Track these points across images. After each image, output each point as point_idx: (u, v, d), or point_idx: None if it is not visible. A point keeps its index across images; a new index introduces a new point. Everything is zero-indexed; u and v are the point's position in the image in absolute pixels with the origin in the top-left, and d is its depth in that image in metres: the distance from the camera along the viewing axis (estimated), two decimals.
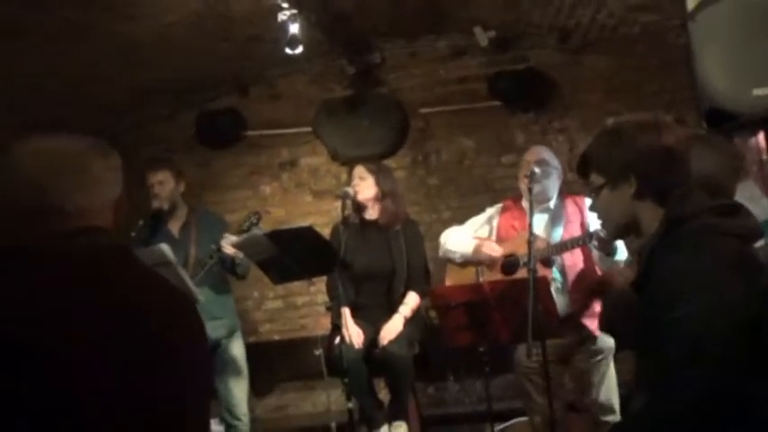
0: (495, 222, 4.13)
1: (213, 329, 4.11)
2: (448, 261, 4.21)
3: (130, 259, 1.58)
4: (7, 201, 1.50)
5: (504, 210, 4.12)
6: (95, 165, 1.55)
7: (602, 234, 3.52)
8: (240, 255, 4.17)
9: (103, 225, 1.54)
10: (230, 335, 4.37)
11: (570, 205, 3.97)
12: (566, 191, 4.12)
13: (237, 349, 4.43)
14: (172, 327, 1.52)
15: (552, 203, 3.99)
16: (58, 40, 4.11)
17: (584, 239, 3.69)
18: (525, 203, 3.95)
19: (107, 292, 1.45)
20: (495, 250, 4.01)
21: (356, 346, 4.03)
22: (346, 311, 4.09)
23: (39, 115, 4.66)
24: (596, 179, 1.91)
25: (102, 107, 5.24)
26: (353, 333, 4.07)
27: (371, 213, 4.34)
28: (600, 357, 3.81)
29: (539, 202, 3.92)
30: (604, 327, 3.71)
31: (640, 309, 1.81)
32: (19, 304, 1.37)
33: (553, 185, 3.97)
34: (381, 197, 4.30)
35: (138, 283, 1.53)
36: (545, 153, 4.02)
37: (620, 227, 1.93)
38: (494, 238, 4.10)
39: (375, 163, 4.51)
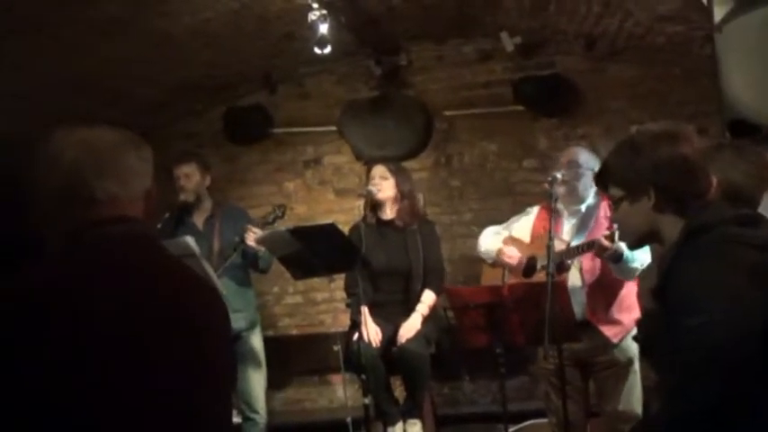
0: (531, 223, 4.13)
1: (234, 321, 4.09)
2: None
3: (157, 249, 1.60)
4: (45, 187, 1.53)
5: (541, 210, 4.12)
6: (129, 156, 1.57)
7: (603, 242, 3.50)
8: (263, 249, 4.21)
9: (134, 215, 1.57)
10: (250, 328, 4.42)
11: (604, 209, 3.89)
12: (605, 194, 4.07)
13: (257, 342, 4.47)
14: (197, 316, 1.53)
15: (584, 206, 3.91)
16: (100, 36, 4.17)
17: (587, 246, 3.66)
18: (560, 205, 3.93)
19: (134, 281, 1.47)
20: (511, 256, 4.00)
21: (374, 345, 4.05)
22: (365, 310, 4.12)
23: (76, 108, 4.74)
24: (615, 192, 1.92)
25: (136, 102, 5.30)
26: (372, 332, 4.10)
27: (388, 213, 4.38)
28: (616, 367, 3.76)
29: (569, 204, 3.92)
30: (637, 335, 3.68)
31: (660, 316, 1.81)
32: (45, 290, 1.39)
33: (585, 188, 3.86)
34: (400, 198, 4.35)
35: (164, 272, 1.55)
36: (580, 154, 3.91)
37: (639, 237, 1.93)
38: (528, 238, 4.11)
39: (395, 164, 4.56)
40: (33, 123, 4.38)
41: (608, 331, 3.75)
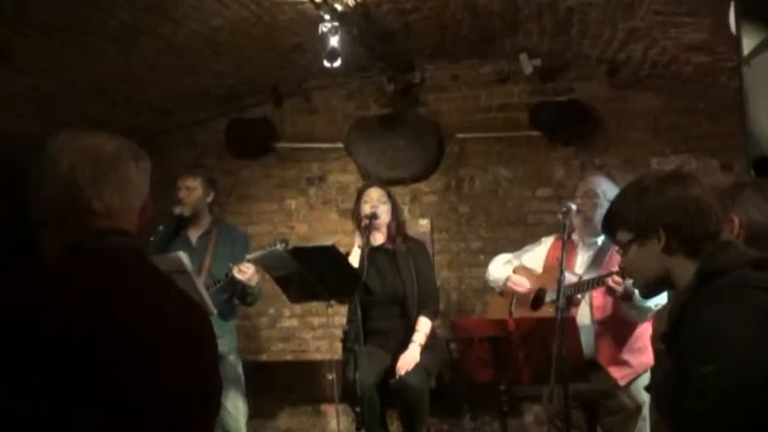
0: (544, 253, 4.13)
1: None
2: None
3: (147, 265, 1.60)
4: (41, 192, 1.55)
5: (556, 241, 4.12)
6: (128, 167, 1.59)
7: (615, 278, 3.50)
8: (253, 283, 4.26)
9: (129, 228, 1.58)
10: (229, 353, 4.45)
11: None
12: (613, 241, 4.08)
13: (236, 368, 4.51)
14: (182, 336, 1.54)
15: (601, 239, 3.91)
16: (109, 41, 4.24)
17: (597, 281, 3.65)
18: (575, 237, 3.95)
19: (121, 297, 1.47)
20: (520, 285, 4.00)
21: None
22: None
23: (80, 112, 4.80)
24: (623, 236, 1.94)
25: (140, 107, 5.35)
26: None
27: (378, 239, 4.42)
28: (624, 412, 3.74)
29: (584, 236, 3.92)
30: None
31: (669, 364, 1.81)
32: (28, 302, 1.40)
33: None
34: (395, 223, 4.42)
35: (152, 289, 1.55)
36: (600, 184, 3.93)
37: (651, 282, 1.94)
38: (540, 269, 4.11)
39: (386, 188, 4.58)
40: (39, 124, 4.45)
41: (616, 373, 3.73)
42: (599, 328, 3.78)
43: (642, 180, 1.95)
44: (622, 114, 5.59)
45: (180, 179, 4.47)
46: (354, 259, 4.24)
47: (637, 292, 3.45)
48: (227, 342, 4.42)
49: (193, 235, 4.51)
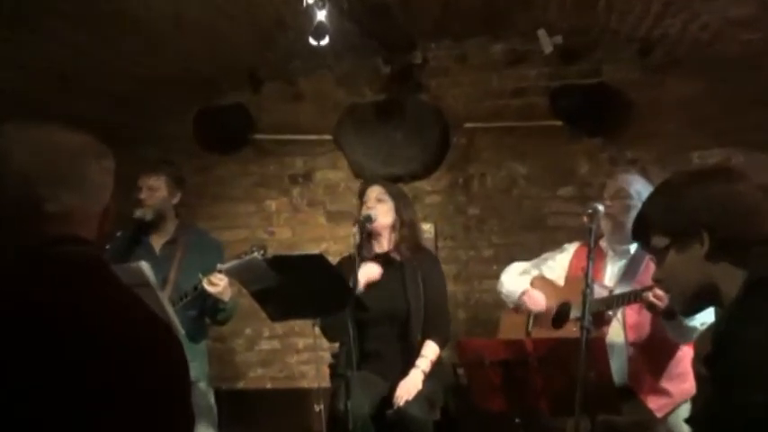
0: (567, 262, 4.11)
1: None
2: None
3: (109, 278, 1.60)
4: None
5: (580, 248, 4.10)
6: (89, 165, 1.60)
7: (651, 298, 3.48)
8: (226, 298, 4.25)
9: (87, 236, 1.58)
10: (197, 380, 4.44)
11: None
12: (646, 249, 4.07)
13: (206, 397, 4.50)
14: (147, 362, 1.54)
15: (633, 247, 3.91)
16: (60, 18, 4.21)
17: (633, 296, 3.63)
18: (604, 244, 3.94)
19: (78, 314, 1.47)
20: (537, 303, 4.00)
21: (375, 275, 4.12)
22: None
23: (29, 101, 4.77)
24: (659, 241, 1.95)
25: (96, 95, 5.32)
26: (367, 270, 4.14)
27: (384, 244, 4.40)
28: None
29: (615, 243, 3.91)
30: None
31: (712, 392, 1.78)
32: None
33: None
34: (399, 226, 4.36)
35: (113, 306, 1.55)
36: (632, 182, 3.93)
37: (692, 295, 1.92)
38: (561, 281, 4.09)
39: (393, 185, 4.58)
40: None
41: (652, 403, 3.72)
42: (633, 351, 3.77)
43: (679, 176, 1.96)
44: (657, 101, 5.59)
45: (140, 178, 4.46)
46: (368, 273, 4.22)
47: None
48: (196, 367, 4.38)
49: (157, 242, 4.50)
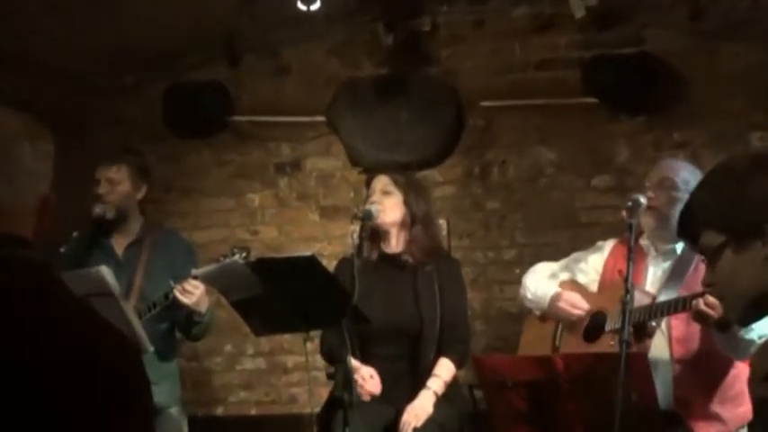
0: (601, 264, 4.13)
1: None
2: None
3: (53, 286, 1.59)
4: None
5: (617, 246, 4.12)
6: (20, 149, 1.58)
7: (701, 306, 3.50)
8: (202, 309, 4.28)
9: (23, 234, 1.57)
10: (167, 406, 4.48)
11: None
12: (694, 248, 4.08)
13: (179, 425, 4.55)
14: (100, 388, 1.52)
15: (680, 247, 3.93)
16: None
17: (681, 304, 3.64)
18: (644, 242, 3.95)
19: (17, 331, 1.47)
20: (575, 307, 4.01)
21: (375, 392, 4.08)
22: (353, 362, 4.11)
23: None
24: (711, 239, 1.94)
25: (47, 73, 5.34)
26: (365, 373, 4.13)
27: (393, 245, 4.39)
28: None
29: (658, 241, 3.94)
30: None
31: None
32: None
33: None
34: (411, 223, 4.36)
35: (61, 321, 1.53)
36: (679, 171, 3.95)
37: (752, 304, 1.93)
38: (595, 286, 4.12)
39: (406, 174, 4.56)
40: None
41: (702, 430, 3.74)
42: (680, 369, 3.78)
43: (733, 162, 1.95)
44: (710, 74, 5.59)
45: (99, 169, 4.48)
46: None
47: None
48: (166, 390, 4.43)
49: (119, 244, 4.53)
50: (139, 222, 4.59)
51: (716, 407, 3.75)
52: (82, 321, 1.58)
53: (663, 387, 3.67)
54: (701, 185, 2.01)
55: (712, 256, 1.95)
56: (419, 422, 4.06)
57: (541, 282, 4.18)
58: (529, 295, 4.19)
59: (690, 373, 3.77)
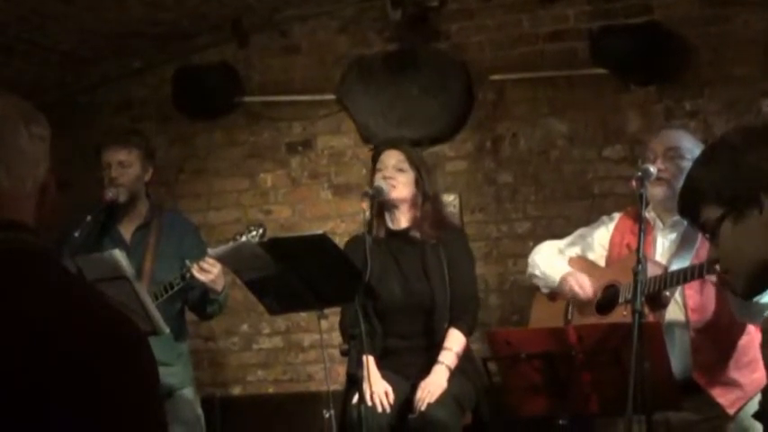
0: (607, 239, 4.12)
1: (162, 377, 4.26)
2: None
3: (55, 272, 1.57)
4: None
5: (622, 220, 4.11)
6: (16, 133, 1.55)
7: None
8: (219, 288, 4.30)
9: (24, 219, 1.54)
10: (181, 387, 4.51)
11: None
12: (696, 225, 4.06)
13: (193, 407, 4.57)
14: (108, 383, 1.47)
15: None
16: None
17: (698, 270, 3.63)
18: (650, 214, 3.94)
19: (20, 322, 1.43)
20: (584, 287, 4.00)
21: (382, 410, 4.07)
22: (370, 360, 4.13)
23: None
24: (711, 212, 1.93)
25: (52, 56, 5.33)
26: (380, 391, 4.11)
27: (401, 221, 4.40)
28: None
29: (665, 212, 3.93)
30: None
31: None
32: None
33: None
34: (422, 201, 4.36)
35: (68, 310, 1.48)
36: (681, 139, 3.94)
37: (756, 273, 1.92)
38: (602, 261, 4.11)
39: (415, 151, 4.56)
40: None
41: (722, 398, 3.73)
42: (697, 337, 3.77)
43: (727, 136, 1.97)
44: (722, 41, 5.55)
45: (107, 152, 4.48)
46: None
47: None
48: (180, 372, 4.48)
49: (127, 229, 4.56)
50: (146, 206, 4.61)
51: (733, 373, 3.74)
52: (84, 308, 1.52)
53: (681, 356, 3.68)
54: (698, 163, 2.02)
55: (714, 231, 1.94)
56: (433, 398, 4.07)
57: (549, 260, 4.16)
58: (538, 273, 4.17)
59: (707, 341, 3.76)
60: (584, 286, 4.00)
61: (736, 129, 2.02)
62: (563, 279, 4.06)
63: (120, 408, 1.49)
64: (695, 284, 3.73)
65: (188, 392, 4.55)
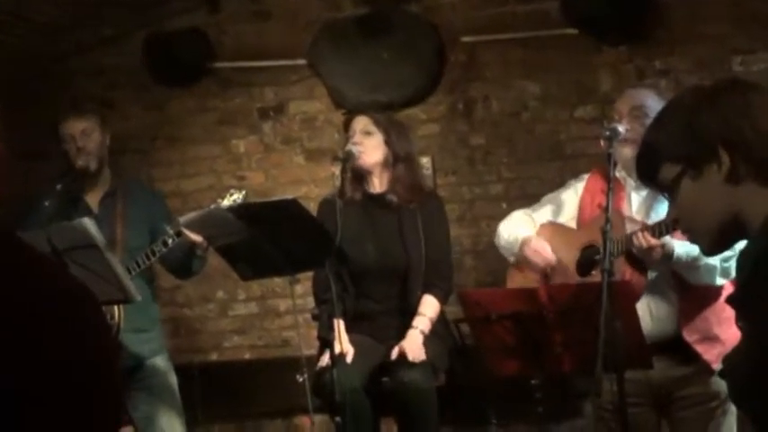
0: (576, 200, 4.12)
1: (135, 345, 4.36)
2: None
3: (15, 248, 1.55)
4: None
5: (591, 181, 4.10)
6: None
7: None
8: (205, 243, 4.25)
9: None
10: (153, 355, 4.52)
11: None
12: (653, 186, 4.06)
13: (167, 372, 4.58)
14: (71, 350, 1.46)
15: None
16: None
17: (671, 225, 3.63)
18: (620, 173, 3.94)
19: None
20: (541, 254, 3.98)
21: (348, 360, 4.10)
22: (340, 324, 4.12)
23: None
24: (669, 170, 1.90)
25: (25, 25, 5.28)
26: (346, 346, 4.13)
27: (376, 185, 4.39)
28: (715, 403, 3.78)
29: (634, 171, 3.92)
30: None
31: (746, 340, 1.80)
32: None
33: None
34: (393, 162, 4.35)
35: (22, 285, 1.44)
36: (647, 98, 3.93)
37: (715, 230, 1.90)
38: (573, 223, 4.10)
39: (385, 114, 4.57)
40: None
41: (708, 354, 3.75)
42: (682, 293, 3.79)
43: (682, 96, 1.95)
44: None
45: (66, 124, 4.48)
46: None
47: (676, 248, 3.52)
48: (154, 339, 4.53)
49: (93, 198, 4.56)
50: (110, 174, 4.63)
51: (716, 328, 3.76)
52: (59, 284, 1.48)
53: (667, 313, 3.73)
54: (654, 124, 1.99)
55: (673, 190, 1.92)
56: (415, 355, 4.07)
57: (514, 227, 4.13)
58: (502, 242, 4.15)
59: (691, 297, 3.78)
60: (540, 251, 3.98)
61: (688, 89, 1.99)
62: (522, 244, 4.04)
63: (103, 377, 1.46)
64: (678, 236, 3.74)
65: (160, 361, 4.56)
